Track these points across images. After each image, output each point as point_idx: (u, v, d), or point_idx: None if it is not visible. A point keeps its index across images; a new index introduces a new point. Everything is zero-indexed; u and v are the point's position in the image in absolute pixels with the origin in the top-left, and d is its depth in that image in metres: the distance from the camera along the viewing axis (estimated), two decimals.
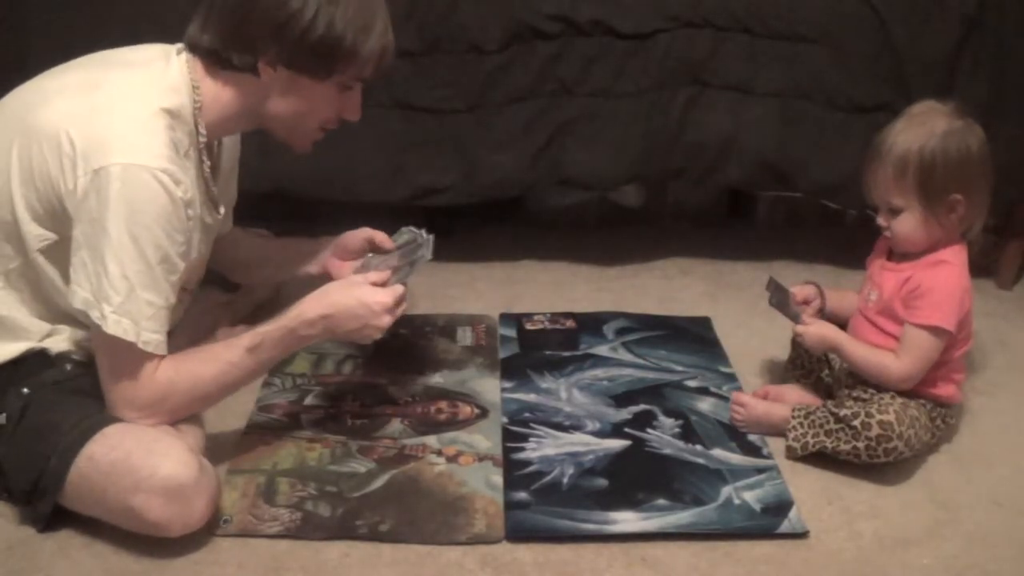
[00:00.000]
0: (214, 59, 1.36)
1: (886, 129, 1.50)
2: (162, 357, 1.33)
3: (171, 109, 1.31)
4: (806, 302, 1.64)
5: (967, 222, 1.50)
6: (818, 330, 1.55)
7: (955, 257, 1.50)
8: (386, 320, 1.44)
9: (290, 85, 1.37)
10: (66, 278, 1.31)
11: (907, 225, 1.49)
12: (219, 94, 1.37)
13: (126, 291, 1.26)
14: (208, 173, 1.42)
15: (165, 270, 1.29)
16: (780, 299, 1.60)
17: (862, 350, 1.53)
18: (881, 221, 1.53)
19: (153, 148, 1.27)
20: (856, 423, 1.44)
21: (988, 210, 1.51)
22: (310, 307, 1.42)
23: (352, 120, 1.48)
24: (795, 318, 1.58)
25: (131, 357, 1.30)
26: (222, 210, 1.51)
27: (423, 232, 1.59)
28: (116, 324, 1.26)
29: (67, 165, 1.25)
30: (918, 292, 1.49)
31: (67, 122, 1.26)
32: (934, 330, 1.47)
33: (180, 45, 1.38)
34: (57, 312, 1.36)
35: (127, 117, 1.28)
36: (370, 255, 1.65)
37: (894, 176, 1.47)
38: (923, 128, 1.46)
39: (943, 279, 1.48)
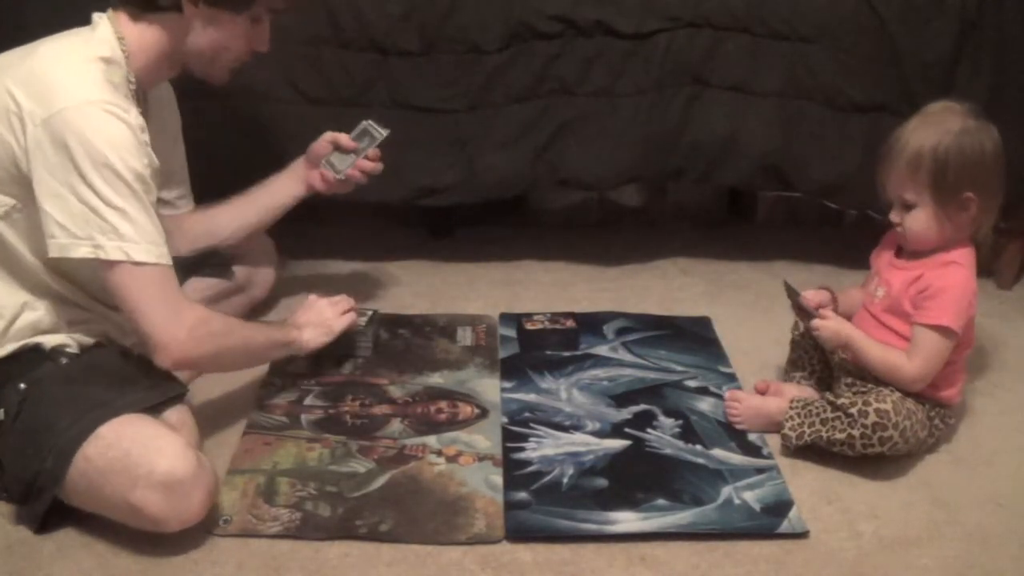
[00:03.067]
0: (139, 4, 1.40)
1: (901, 127, 1.51)
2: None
3: (104, 57, 1.36)
4: (820, 307, 1.64)
5: (978, 221, 1.50)
6: (834, 325, 1.55)
7: (965, 259, 1.51)
8: (340, 321, 1.69)
9: (210, 19, 1.43)
10: (29, 244, 1.33)
11: (920, 221, 1.50)
12: (144, 38, 1.42)
13: (117, 218, 1.28)
14: (141, 119, 1.43)
15: (144, 189, 1.31)
16: (794, 302, 1.61)
17: (876, 349, 1.53)
18: (894, 217, 1.53)
19: (95, 86, 1.31)
20: (853, 411, 1.45)
21: (998, 211, 1.51)
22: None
23: (262, 51, 1.54)
24: (810, 318, 1.58)
25: (155, 279, 1.31)
26: (156, 162, 1.51)
27: (377, 127, 1.73)
28: (117, 249, 1.28)
29: (15, 124, 1.28)
30: (928, 292, 1.49)
31: (10, 88, 1.29)
32: (943, 330, 1.48)
33: (100, 14, 1.43)
34: (27, 283, 1.37)
35: (63, 67, 1.32)
36: (332, 154, 1.74)
37: (908, 171, 1.47)
38: (939, 126, 1.47)
39: (953, 280, 1.49)
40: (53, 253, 1.29)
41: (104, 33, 1.40)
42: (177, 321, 1.34)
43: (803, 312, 1.59)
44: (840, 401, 1.48)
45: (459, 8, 1.89)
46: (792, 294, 1.60)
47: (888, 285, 1.55)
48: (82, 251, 1.28)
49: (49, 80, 1.30)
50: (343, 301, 1.73)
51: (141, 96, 1.48)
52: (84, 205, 1.26)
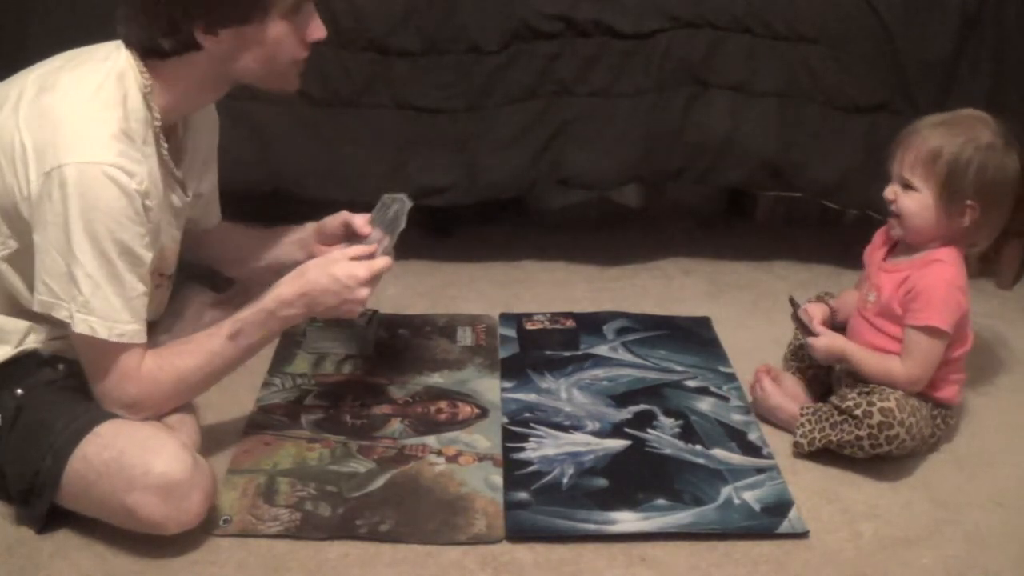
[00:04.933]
0: (150, 52, 1.33)
1: (932, 116, 1.51)
2: (144, 347, 1.32)
3: (121, 99, 1.29)
4: (823, 324, 1.63)
5: (972, 236, 1.51)
6: (826, 342, 1.55)
7: (949, 256, 1.51)
8: (362, 293, 1.43)
9: (239, 41, 1.32)
10: (30, 286, 1.31)
11: (915, 203, 1.49)
12: (170, 76, 1.34)
13: (90, 289, 1.25)
14: (167, 156, 1.39)
15: (128, 262, 1.28)
16: (794, 315, 1.62)
17: (868, 358, 1.53)
18: (888, 193, 1.53)
19: (103, 143, 1.25)
20: (858, 412, 1.45)
21: (995, 234, 1.52)
22: (288, 288, 1.42)
23: (320, 38, 1.39)
24: (807, 334, 1.59)
25: (110, 353, 1.30)
26: (190, 192, 1.48)
27: (403, 196, 1.56)
28: (83, 323, 1.26)
29: (20, 170, 1.25)
30: (913, 294, 1.49)
31: (20, 127, 1.26)
32: (932, 331, 1.48)
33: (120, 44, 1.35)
34: (29, 315, 1.36)
35: (75, 115, 1.26)
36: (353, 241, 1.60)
37: (923, 161, 1.47)
38: (967, 134, 1.47)
39: (937, 279, 1.49)
40: (36, 307, 1.29)
41: (124, 65, 1.31)
42: (120, 396, 1.32)
43: (801, 327, 1.61)
44: (845, 404, 1.48)
45: (459, 8, 1.89)
46: (794, 306, 1.61)
47: (879, 290, 1.56)
48: (62, 313, 1.27)
49: (60, 128, 1.25)
50: (371, 265, 1.44)
51: (178, 128, 1.44)
52: (65, 269, 1.25)
